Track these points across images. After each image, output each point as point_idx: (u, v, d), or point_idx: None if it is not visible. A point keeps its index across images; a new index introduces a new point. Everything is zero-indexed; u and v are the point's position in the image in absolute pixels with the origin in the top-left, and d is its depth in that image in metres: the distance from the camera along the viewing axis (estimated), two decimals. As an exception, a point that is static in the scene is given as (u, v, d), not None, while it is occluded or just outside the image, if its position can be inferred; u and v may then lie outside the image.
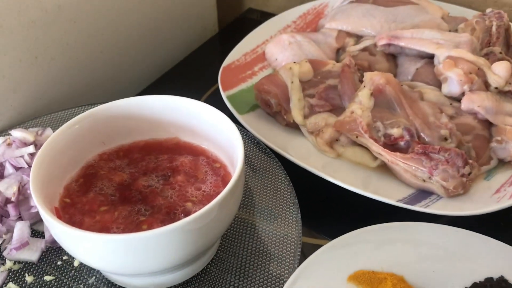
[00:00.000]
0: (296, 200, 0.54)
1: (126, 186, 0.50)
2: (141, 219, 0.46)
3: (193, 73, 0.86)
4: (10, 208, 0.52)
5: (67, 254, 0.52)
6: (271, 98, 0.64)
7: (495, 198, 0.53)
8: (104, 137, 0.53)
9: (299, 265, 0.47)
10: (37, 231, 0.53)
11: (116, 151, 0.54)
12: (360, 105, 0.60)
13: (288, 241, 0.51)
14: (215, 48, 0.94)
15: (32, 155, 0.55)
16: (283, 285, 0.46)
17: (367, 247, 0.49)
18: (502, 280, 0.46)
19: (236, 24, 0.99)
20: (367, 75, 0.62)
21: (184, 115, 0.54)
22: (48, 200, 0.45)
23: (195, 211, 0.42)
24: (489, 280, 0.46)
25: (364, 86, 0.61)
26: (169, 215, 0.46)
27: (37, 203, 0.42)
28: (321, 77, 0.66)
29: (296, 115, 0.63)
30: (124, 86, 0.80)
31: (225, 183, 0.50)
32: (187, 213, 0.46)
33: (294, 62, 0.66)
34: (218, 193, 0.45)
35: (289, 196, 0.55)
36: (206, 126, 0.53)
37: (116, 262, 0.42)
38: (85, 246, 0.41)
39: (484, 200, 0.53)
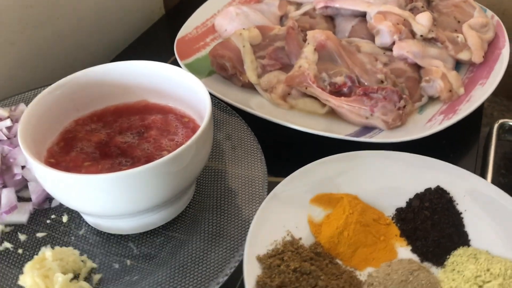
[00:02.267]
0: (259, 145, 0.61)
1: (105, 144, 0.55)
2: (123, 169, 0.51)
3: (147, 51, 0.90)
4: (-5, 177, 0.56)
5: (55, 213, 0.56)
6: (226, 62, 0.70)
7: (428, 126, 0.62)
8: (78, 104, 0.58)
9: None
10: (22, 198, 0.57)
11: (90, 117, 0.58)
12: (306, 60, 0.67)
13: (256, 180, 0.57)
14: (163, 28, 0.98)
15: (9, 128, 0.59)
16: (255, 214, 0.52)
17: (324, 175, 0.56)
18: (438, 188, 0.55)
19: (181, 5, 1.04)
20: (310, 33, 0.69)
21: (151, 78, 0.59)
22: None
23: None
24: (428, 190, 0.55)
25: (308, 43, 0.68)
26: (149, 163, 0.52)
27: (28, 156, 0.46)
28: (269, 40, 0.72)
29: (251, 75, 0.69)
30: (82, 66, 0.84)
31: (195, 133, 0.56)
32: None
33: (244, 29, 0.72)
34: (190, 142, 0.51)
35: (252, 143, 0.61)
36: (172, 86, 0.58)
37: (106, 202, 0.47)
38: (75, 188, 0.46)
39: (419, 128, 0.62)
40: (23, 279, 0.47)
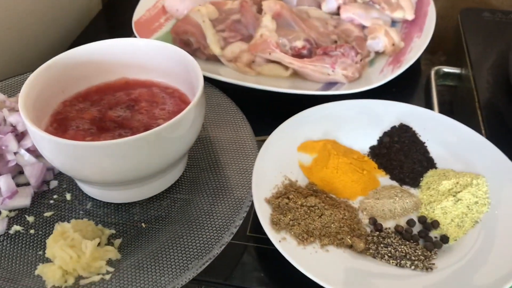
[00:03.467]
0: (239, 108, 0.65)
1: (99, 119, 0.57)
2: (126, 139, 0.54)
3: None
4: (-11, 166, 0.56)
5: (56, 194, 0.57)
6: (190, 37, 0.74)
7: (382, 76, 0.70)
8: (64, 86, 0.59)
9: (258, 151, 0.59)
10: (18, 184, 0.57)
11: (76, 97, 0.60)
12: (266, 28, 0.72)
13: (244, 139, 0.62)
14: (103, 21, 0.99)
15: (-8, 117, 0.59)
16: (252, 168, 0.57)
17: (304, 126, 0.62)
18: (402, 125, 0.63)
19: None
20: (265, 4, 0.75)
21: (129, 55, 0.61)
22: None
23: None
24: (393, 127, 0.63)
25: (265, 13, 0.74)
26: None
27: (42, 133, 0.48)
28: (225, 14, 0.77)
29: (214, 48, 0.74)
30: (32, 61, 0.83)
31: (183, 101, 0.60)
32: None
33: (200, 5, 0.76)
34: (181, 110, 0.54)
35: (231, 108, 0.66)
36: (151, 60, 0.61)
37: (116, 169, 0.50)
38: (89, 157, 0.48)
39: (375, 78, 0.70)
40: (50, 252, 0.49)
